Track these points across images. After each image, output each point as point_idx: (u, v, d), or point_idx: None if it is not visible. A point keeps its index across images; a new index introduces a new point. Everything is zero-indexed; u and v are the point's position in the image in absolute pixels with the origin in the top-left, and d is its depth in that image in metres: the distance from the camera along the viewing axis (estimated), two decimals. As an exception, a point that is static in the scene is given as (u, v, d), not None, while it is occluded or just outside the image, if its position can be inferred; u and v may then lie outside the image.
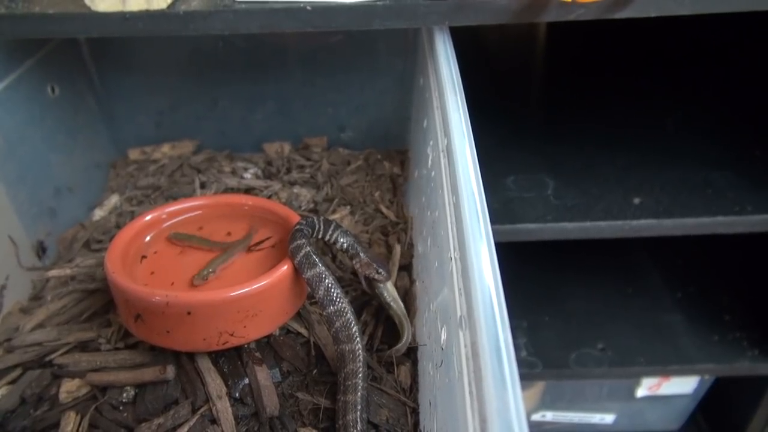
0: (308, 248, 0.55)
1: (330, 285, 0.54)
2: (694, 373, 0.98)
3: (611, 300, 1.07)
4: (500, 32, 1.33)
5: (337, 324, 0.53)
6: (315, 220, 0.60)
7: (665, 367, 0.95)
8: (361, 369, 0.51)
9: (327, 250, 0.72)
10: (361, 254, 0.61)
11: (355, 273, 0.65)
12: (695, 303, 1.04)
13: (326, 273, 0.55)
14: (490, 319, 0.33)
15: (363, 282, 0.62)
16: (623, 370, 0.95)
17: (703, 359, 0.95)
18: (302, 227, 0.58)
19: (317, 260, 0.55)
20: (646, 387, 1.06)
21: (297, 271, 0.56)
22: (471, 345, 0.34)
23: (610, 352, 0.97)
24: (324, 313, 0.54)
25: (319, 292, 0.54)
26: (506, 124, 0.99)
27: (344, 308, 0.53)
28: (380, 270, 0.60)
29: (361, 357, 0.52)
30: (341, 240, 0.61)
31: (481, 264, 0.36)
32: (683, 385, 1.06)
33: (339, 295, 0.54)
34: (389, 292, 0.62)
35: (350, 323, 0.53)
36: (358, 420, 0.49)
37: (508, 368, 0.30)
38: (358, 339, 0.52)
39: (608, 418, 1.14)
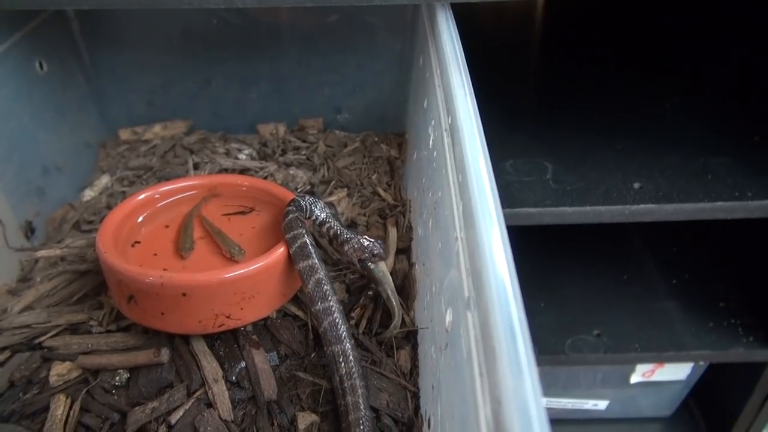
0: (305, 238, 0.54)
1: (321, 279, 0.52)
2: (689, 359, 0.98)
3: (607, 286, 1.06)
4: (498, 16, 1.31)
5: (325, 323, 0.51)
6: (302, 202, 0.58)
7: (660, 353, 0.95)
8: (355, 369, 0.49)
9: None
10: (352, 239, 0.58)
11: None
12: (690, 290, 1.04)
13: (319, 266, 0.53)
14: (503, 299, 0.32)
15: (356, 264, 0.60)
16: (619, 357, 0.95)
17: (698, 346, 0.95)
18: (296, 214, 0.56)
19: (312, 252, 0.53)
20: (640, 373, 1.07)
21: (293, 261, 0.54)
22: (481, 326, 0.33)
23: (605, 338, 0.97)
24: (312, 310, 0.52)
25: (309, 286, 0.52)
26: (504, 108, 0.98)
27: (332, 306, 0.51)
28: (374, 252, 0.58)
29: (352, 356, 0.50)
30: (328, 222, 0.60)
31: (491, 242, 0.35)
32: (677, 372, 1.06)
33: (329, 292, 0.52)
34: (379, 268, 0.60)
35: (337, 322, 0.51)
36: (362, 419, 0.48)
37: (523, 348, 0.29)
38: (346, 338, 0.50)
39: (601, 405, 1.14)
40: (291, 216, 0.56)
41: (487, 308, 0.32)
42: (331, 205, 0.75)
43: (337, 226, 0.60)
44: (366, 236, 0.59)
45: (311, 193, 0.78)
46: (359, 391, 0.48)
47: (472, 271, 0.37)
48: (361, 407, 0.47)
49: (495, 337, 0.30)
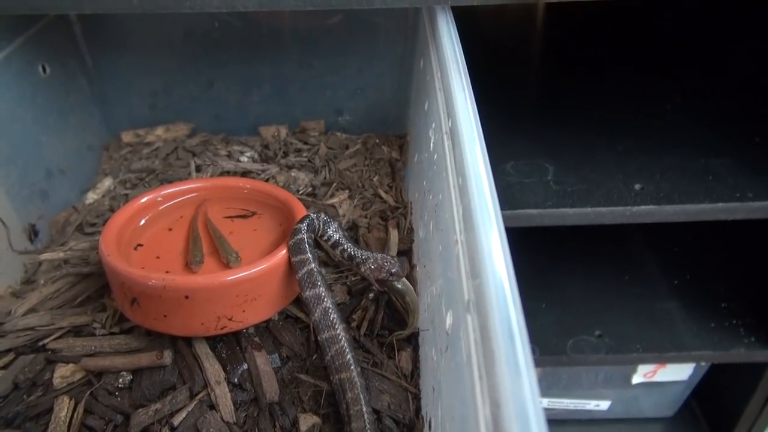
0: (312, 265, 0.53)
1: (328, 308, 0.52)
2: (691, 360, 0.98)
3: (608, 287, 1.06)
4: (498, 18, 1.31)
5: (332, 351, 0.51)
6: (316, 222, 0.58)
7: (662, 353, 0.95)
8: (361, 395, 0.49)
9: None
10: (369, 260, 0.57)
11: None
12: (692, 290, 1.04)
13: (326, 294, 0.53)
14: (501, 302, 0.32)
15: (375, 285, 0.58)
16: (620, 357, 0.95)
17: (699, 346, 0.95)
18: (305, 234, 0.55)
19: (320, 280, 0.53)
20: (641, 374, 1.07)
21: (299, 289, 0.55)
22: (480, 329, 0.33)
23: (607, 338, 0.97)
24: (318, 339, 0.52)
25: (315, 315, 0.52)
26: (505, 110, 0.98)
27: (339, 334, 0.51)
28: (393, 271, 0.56)
29: (358, 383, 0.50)
30: (342, 245, 0.59)
31: (491, 245, 0.35)
32: (679, 372, 1.06)
33: (336, 320, 0.52)
34: (402, 282, 0.59)
35: (344, 350, 0.51)
36: None
37: (521, 351, 0.29)
38: (352, 366, 0.50)
39: (603, 405, 1.14)
40: (299, 236, 0.55)
41: (486, 311, 0.32)
42: (331, 207, 0.76)
43: (350, 248, 0.59)
44: (382, 254, 0.58)
45: (313, 195, 0.79)
46: (365, 417, 0.48)
47: (472, 274, 0.37)
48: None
49: (494, 340, 0.31)
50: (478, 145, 0.44)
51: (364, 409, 0.48)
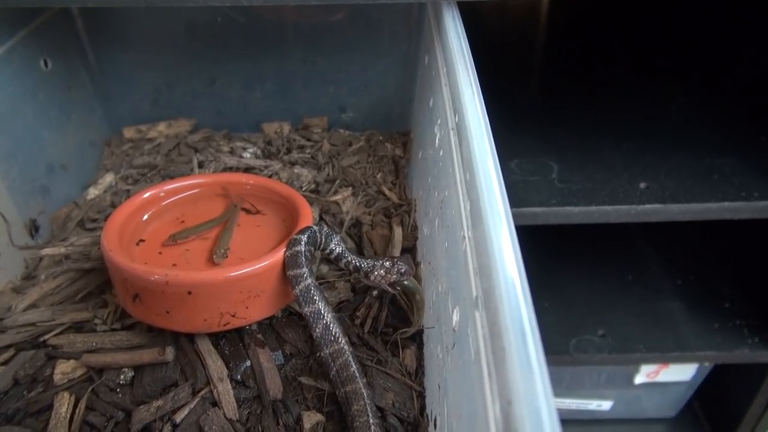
0: (309, 280, 0.53)
1: (329, 323, 0.52)
2: (695, 360, 0.98)
3: (611, 287, 1.06)
4: (503, 15, 1.31)
5: (336, 365, 0.51)
6: (318, 235, 0.57)
7: (665, 354, 0.95)
8: (367, 407, 0.48)
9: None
10: (376, 267, 0.56)
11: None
12: (695, 290, 1.04)
13: (326, 309, 0.52)
14: (512, 298, 0.31)
15: (388, 289, 0.57)
16: (623, 357, 0.95)
17: (703, 347, 0.94)
18: (302, 247, 0.54)
19: (317, 295, 0.52)
20: (644, 374, 1.06)
21: (296, 302, 0.54)
22: (490, 326, 0.33)
23: (610, 338, 0.97)
24: (321, 354, 0.52)
25: (317, 331, 0.52)
26: (509, 108, 0.97)
27: (343, 348, 0.51)
28: (402, 270, 0.56)
29: (364, 394, 0.49)
30: (345, 257, 0.58)
31: (500, 241, 0.35)
32: (681, 373, 1.06)
33: (338, 334, 0.51)
34: (411, 280, 0.58)
35: (349, 363, 0.50)
36: None
37: (533, 348, 0.29)
38: (358, 377, 0.50)
39: (605, 405, 1.14)
40: (297, 248, 0.54)
41: (496, 308, 0.32)
42: (335, 203, 0.75)
43: (355, 260, 0.58)
44: (386, 258, 0.57)
45: (317, 192, 0.78)
46: (372, 429, 0.47)
47: (481, 270, 0.36)
48: None
49: (505, 337, 0.30)
50: (486, 141, 0.43)
51: (371, 421, 0.47)
